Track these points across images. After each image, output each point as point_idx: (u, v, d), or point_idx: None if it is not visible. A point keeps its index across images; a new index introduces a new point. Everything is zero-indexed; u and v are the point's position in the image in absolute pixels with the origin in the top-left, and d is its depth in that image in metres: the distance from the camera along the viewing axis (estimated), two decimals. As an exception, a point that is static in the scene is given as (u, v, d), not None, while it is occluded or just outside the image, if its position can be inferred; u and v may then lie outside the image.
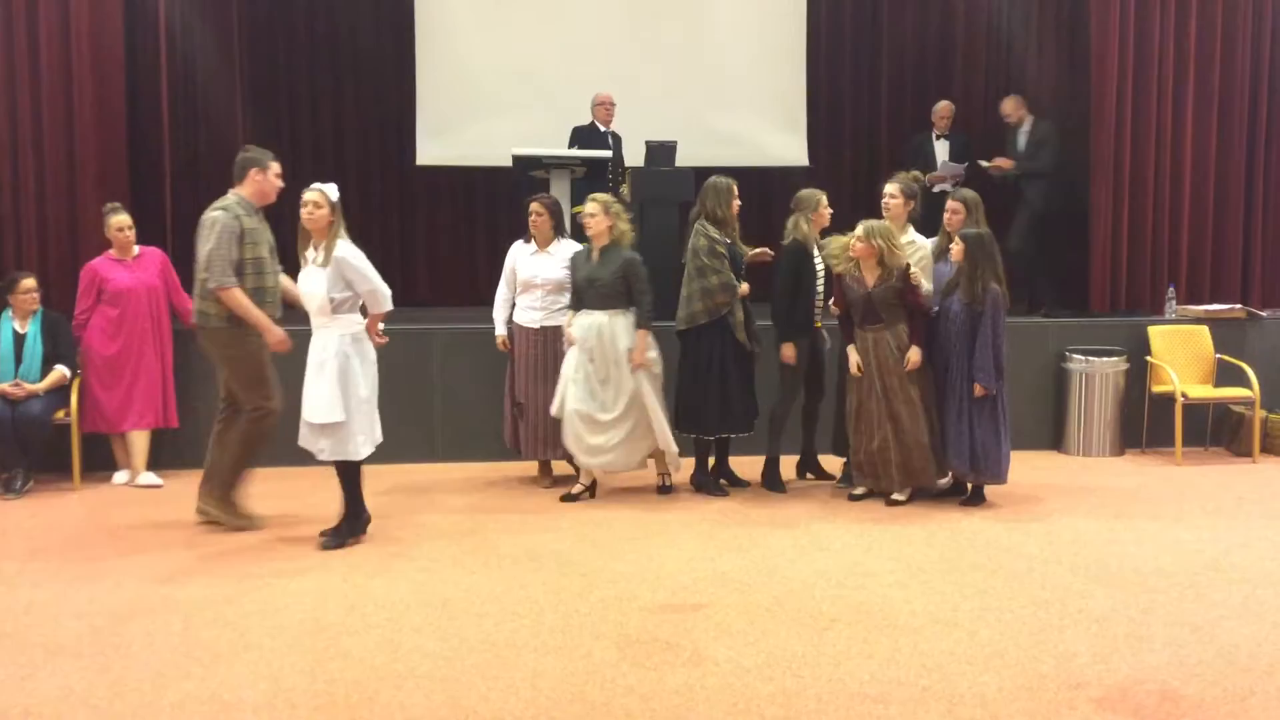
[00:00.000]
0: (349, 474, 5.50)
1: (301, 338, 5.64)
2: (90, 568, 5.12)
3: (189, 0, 8.78)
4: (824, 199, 6.62)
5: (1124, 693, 3.68)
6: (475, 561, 5.19)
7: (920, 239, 6.63)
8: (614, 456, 6.29)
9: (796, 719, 3.50)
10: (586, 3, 10.44)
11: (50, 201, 7.38)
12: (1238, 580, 4.88)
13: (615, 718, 3.52)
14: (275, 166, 5.96)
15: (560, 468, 6.80)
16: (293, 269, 5.83)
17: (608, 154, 8.15)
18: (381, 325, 5.64)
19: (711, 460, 6.68)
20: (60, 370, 6.75)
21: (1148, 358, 7.85)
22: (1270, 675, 3.82)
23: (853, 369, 6.28)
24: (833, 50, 11.08)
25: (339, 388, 5.34)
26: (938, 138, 9.48)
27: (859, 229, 6.18)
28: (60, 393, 6.79)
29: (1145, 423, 7.87)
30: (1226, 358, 7.85)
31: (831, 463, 6.90)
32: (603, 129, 8.85)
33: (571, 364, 6.30)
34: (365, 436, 5.44)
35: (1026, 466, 7.10)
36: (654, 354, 6.34)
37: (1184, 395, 7.51)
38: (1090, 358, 7.74)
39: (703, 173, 8.38)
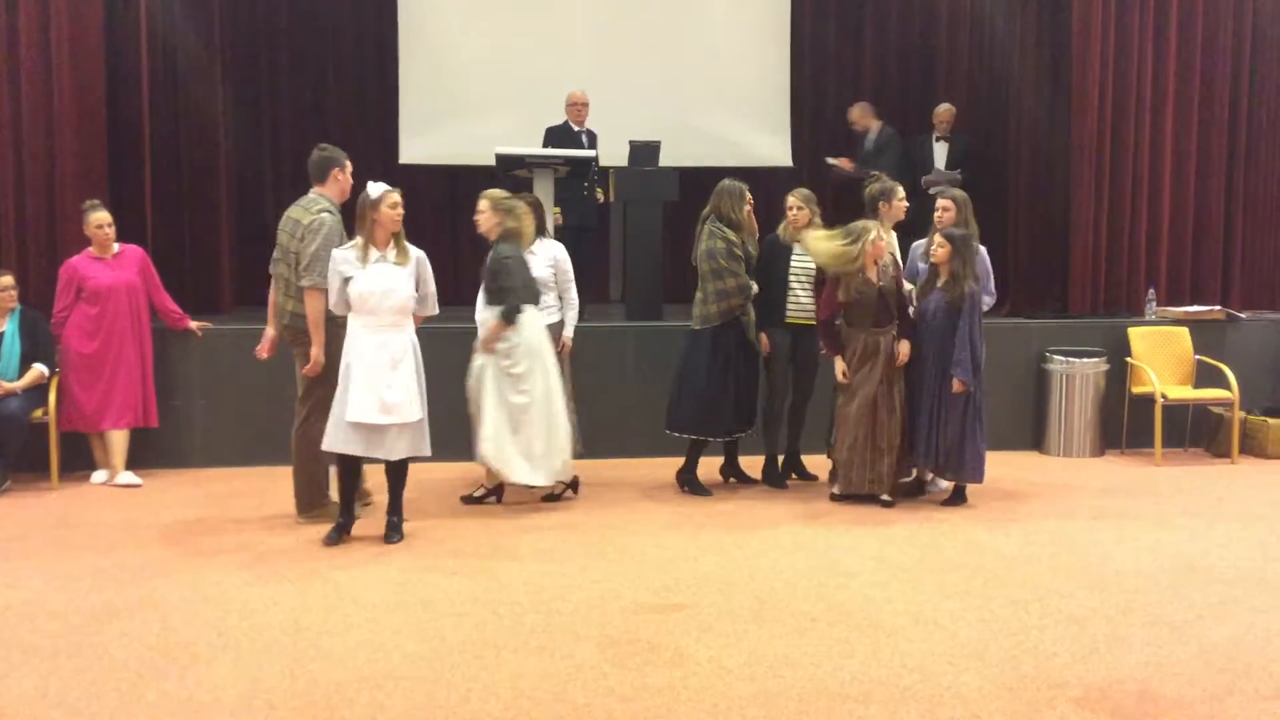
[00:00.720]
0: (406, 472, 5.64)
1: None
2: (68, 568, 5.08)
3: (170, -3, 8.75)
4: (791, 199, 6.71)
5: (1103, 692, 3.70)
6: (456, 562, 5.17)
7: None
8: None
9: (778, 719, 3.50)
10: (571, 2, 10.42)
11: (29, 198, 7.33)
12: (1216, 580, 4.91)
13: (596, 718, 3.51)
14: (349, 165, 6.05)
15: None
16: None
17: (592, 154, 8.15)
18: None
19: (697, 459, 6.63)
20: (38, 368, 6.70)
21: (1128, 359, 7.89)
22: (1248, 675, 3.84)
23: (841, 375, 6.20)
24: (816, 51, 11.09)
25: (417, 385, 5.47)
26: (937, 140, 9.51)
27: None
28: (38, 391, 6.74)
29: (1125, 423, 7.91)
30: (1206, 359, 7.90)
31: (815, 463, 6.91)
32: (576, 129, 8.83)
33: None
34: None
35: (1007, 467, 7.12)
36: (504, 346, 6.02)
37: (1164, 396, 7.56)
38: (1070, 359, 7.78)
39: (687, 173, 8.42)
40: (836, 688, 3.73)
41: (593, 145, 8.75)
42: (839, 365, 6.23)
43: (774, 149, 10.72)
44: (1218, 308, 8.36)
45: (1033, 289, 9.18)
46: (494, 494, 6.38)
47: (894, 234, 6.62)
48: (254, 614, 4.45)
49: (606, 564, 5.13)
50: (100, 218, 6.79)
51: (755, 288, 6.47)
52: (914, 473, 6.52)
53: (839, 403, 6.34)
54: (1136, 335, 7.96)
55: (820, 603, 4.58)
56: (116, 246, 6.90)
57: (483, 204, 6.30)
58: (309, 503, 5.93)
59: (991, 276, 6.80)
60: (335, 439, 5.39)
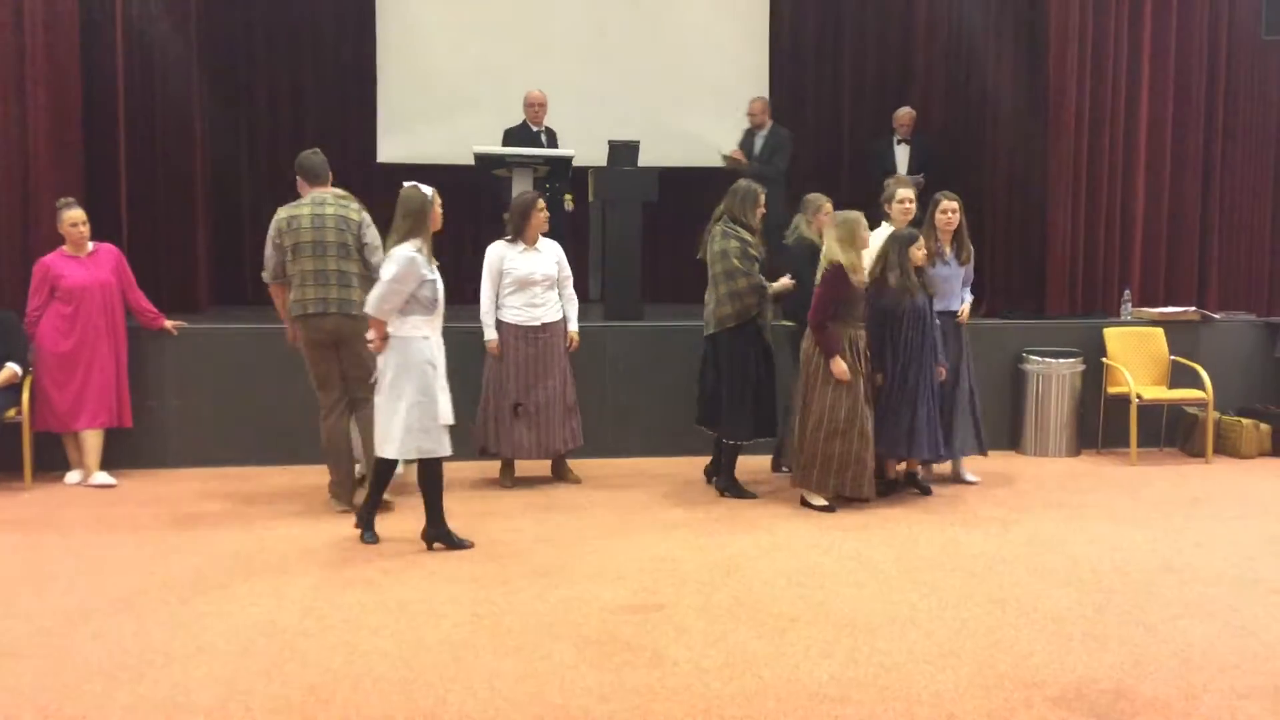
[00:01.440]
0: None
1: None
2: (41, 569, 5.03)
3: (146, -6, 8.68)
4: (828, 204, 6.75)
5: (1079, 691, 3.71)
6: (434, 563, 5.15)
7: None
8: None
9: (756, 719, 3.50)
10: (550, 1, 10.41)
11: (2, 196, 7.25)
12: (1191, 580, 4.95)
13: (574, 719, 3.50)
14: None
15: (528, 468, 6.80)
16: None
17: (570, 153, 8.12)
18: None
19: (733, 463, 6.58)
20: (11, 368, 6.63)
21: (1103, 359, 7.94)
22: (1222, 673, 3.87)
23: (844, 376, 6.00)
24: (795, 53, 11.13)
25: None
26: (899, 143, 9.54)
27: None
28: (11, 391, 6.67)
29: (1101, 423, 7.96)
30: (1180, 359, 7.96)
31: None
32: (535, 129, 8.78)
33: None
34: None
35: (984, 467, 7.15)
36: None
37: (1139, 396, 7.61)
38: (1047, 359, 7.82)
39: (666, 173, 8.42)
40: (814, 687, 3.73)
41: (552, 144, 8.72)
42: (840, 365, 5.99)
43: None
44: (1192, 309, 8.42)
45: (1010, 290, 9.24)
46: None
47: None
48: (230, 615, 4.42)
49: (584, 564, 5.12)
50: (74, 216, 6.73)
51: (770, 288, 6.46)
52: (901, 469, 6.54)
53: (826, 402, 6.05)
54: (1112, 336, 8.01)
55: (798, 603, 4.59)
56: (91, 245, 6.84)
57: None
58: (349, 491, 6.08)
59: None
60: (436, 443, 5.31)
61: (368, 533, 5.49)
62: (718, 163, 9.44)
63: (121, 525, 5.83)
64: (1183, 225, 8.88)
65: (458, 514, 6.07)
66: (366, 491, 5.63)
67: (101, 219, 7.27)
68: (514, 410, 6.56)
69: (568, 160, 8.03)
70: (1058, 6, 8.59)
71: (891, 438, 6.28)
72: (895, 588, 4.80)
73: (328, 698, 3.64)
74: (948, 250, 6.78)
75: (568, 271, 6.74)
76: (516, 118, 8.91)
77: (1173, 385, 7.93)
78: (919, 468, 6.68)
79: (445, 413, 5.33)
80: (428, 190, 5.51)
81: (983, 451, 6.86)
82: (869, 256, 6.34)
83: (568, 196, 8.61)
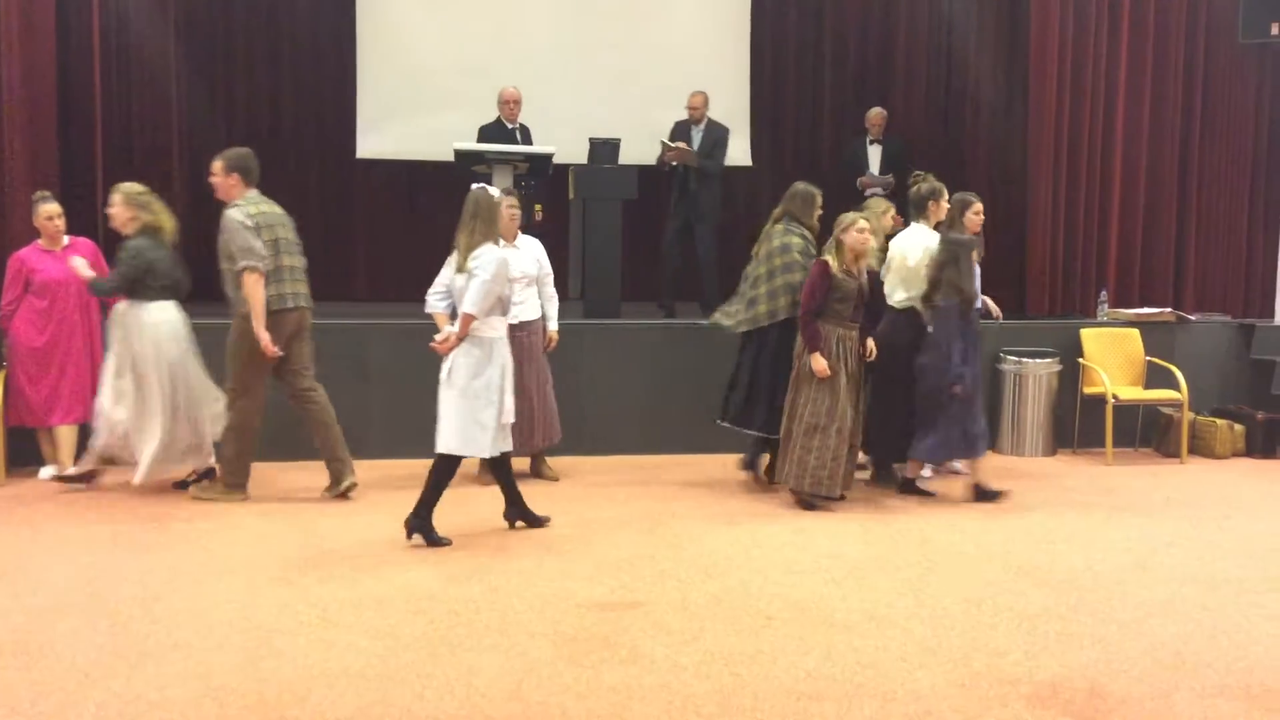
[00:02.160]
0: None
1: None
2: (14, 564, 4.99)
3: (124, -15, 8.63)
4: (892, 208, 6.93)
5: (1054, 689, 3.74)
6: (411, 559, 5.14)
7: None
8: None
9: (733, 716, 3.51)
10: (531, -2, 10.40)
11: (-23, 189, 7.21)
12: (1164, 579, 4.98)
13: (551, 716, 3.50)
14: None
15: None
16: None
17: (551, 150, 8.10)
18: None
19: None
20: (-16, 362, 6.58)
21: (1080, 359, 7.99)
22: (1195, 672, 3.90)
23: (824, 372, 6.00)
24: (777, 52, 11.15)
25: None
26: (871, 143, 9.58)
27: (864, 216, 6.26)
28: (-15, 385, 6.62)
29: (1077, 423, 8.01)
30: (1156, 360, 8.02)
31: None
32: (510, 126, 8.65)
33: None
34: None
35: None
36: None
37: (1114, 397, 7.66)
38: (1023, 359, 7.86)
39: (646, 171, 8.42)
40: (791, 685, 3.74)
41: (526, 141, 8.66)
42: (820, 362, 5.99)
43: (734, 149, 10.70)
44: (1168, 310, 8.49)
45: (988, 290, 9.26)
46: (83, 478, 6.44)
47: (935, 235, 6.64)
48: (205, 612, 4.39)
49: (563, 561, 5.12)
50: (50, 209, 6.67)
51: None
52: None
53: (813, 399, 6.06)
54: (1088, 336, 8.06)
55: (776, 600, 4.60)
56: (66, 239, 6.78)
57: (115, 198, 6.31)
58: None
59: None
60: (490, 443, 5.40)
61: (436, 536, 5.44)
62: (696, 161, 9.44)
63: (96, 521, 5.79)
64: (1159, 227, 8.95)
65: (437, 511, 6.06)
66: (425, 493, 5.55)
67: (78, 213, 7.22)
68: None
69: (548, 157, 8.01)
70: (1038, 11, 8.63)
71: (971, 439, 6.34)
72: (872, 586, 4.82)
73: (303, 694, 3.62)
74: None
75: (548, 269, 6.74)
76: (496, 115, 8.89)
77: (1148, 386, 7.99)
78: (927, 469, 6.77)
79: (509, 411, 5.46)
80: (496, 191, 5.59)
81: None
82: (906, 259, 6.42)
83: (537, 207, 8.57)
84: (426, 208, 10.71)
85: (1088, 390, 7.93)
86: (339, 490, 6.26)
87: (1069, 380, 7.97)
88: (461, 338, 5.33)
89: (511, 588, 4.72)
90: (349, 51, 10.22)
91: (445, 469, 5.44)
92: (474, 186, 5.58)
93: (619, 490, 6.61)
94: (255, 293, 6.01)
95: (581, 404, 7.46)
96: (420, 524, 5.41)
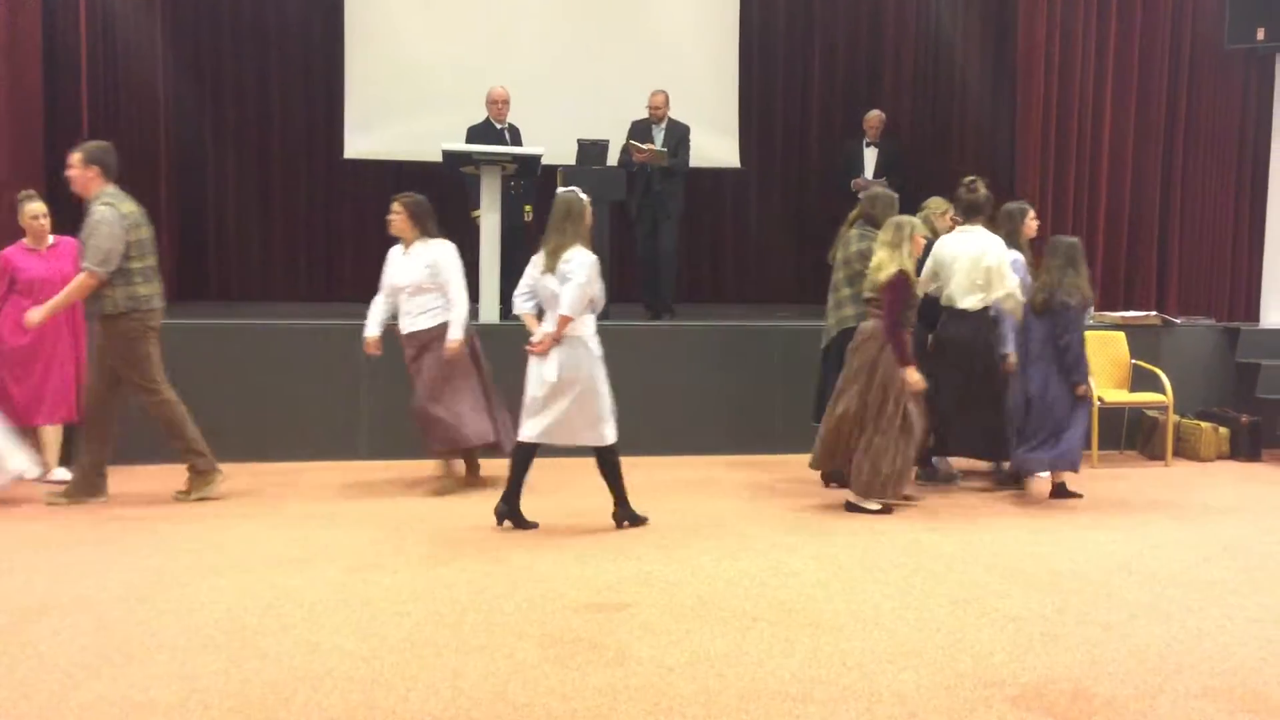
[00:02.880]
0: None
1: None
2: (-3, 565, 4.98)
3: (111, -15, 8.59)
4: (950, 208, 6.92)
5: (1038, 691, 3.75)
6: (398, 561, 5.13)
7: None
8: None
9: (718, 718, 3.51)
10: (519, -1, 10.40)
11: (-39, 188, 7.17)
12: (1149, 581, 5.00)
13: (537, 718, 3.50)
14: None
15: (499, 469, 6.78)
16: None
17: (539, 151, 8.08)
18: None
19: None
20: (-31, 362, 6.54)
21: (1066, 362, 8.00)
22: (1178, 673, 3.92)
23: (920, 385, 6.04)
24: (765, 54, 11.18)
25: None
26: (867, 145, 9.59)
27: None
28: (-31, 385, 6.58)
29: (1063, 426, 8.01)
30: (1141, 363, 8.05)
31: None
32: (498, 126, 8.69)
33: None
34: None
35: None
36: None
37: (1100, 399, 7.68)
38: (1010, 362, 7.87)
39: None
40: (777, 686, 3.74)
41: (515, 141, 8.66)
42: (916, 375, 6.01)
43: (722, 150, 10.77)
44: (1153, 313, 8.52)
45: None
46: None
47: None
48: (190, 612, 4.38)
49: (549, 563, 5.12)
50: (36, 208, 6.65)
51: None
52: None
53: (907, 405, 6.05)
54: (1075, 339, 8.07)
55: (762, 602, 4.61)
56: (51, 238, 6.75)
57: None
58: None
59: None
60: (612, 432, 5.71)
61: (522, 519, 5.72)
62: (691, 162, 9.46)
63: (80, 521, 5.76)
64: (1144, 231, 8.99)
65: (422, 509, 6.06)
66: (509, 485, 5.76)
67: (64, 212, 7.18)
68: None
69: (536, 158, 8.00)
70: (1026, 17, 8.66)
71: (1072, 445, 6.42)
72: (858, 587, 4.82)
73: (288, 696, 3.61)
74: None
75: (448, 274, 6.40)
76: (484, 114, 8.89)
77: (1133, 388, 8.01)
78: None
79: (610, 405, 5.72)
80: (584, 195, 5.72)
81: None
82: (982, 260, 6.43)
83: (527, 208, 8.56)
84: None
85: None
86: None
87: (1055, 383, 7.98)
88: (557, 339, 5.49)
89: (498, 589, 4.71)
90: (337, 52, 10.21)
91: (613, 460, 5.77)
92: (561, 190, 5.74)
93: (606, 492, 6.59)
94: (81, 293, 6.02)
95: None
96: (627, 512, 5.80)
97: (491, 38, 10.25)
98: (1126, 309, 8.62)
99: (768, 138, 11.28)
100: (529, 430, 5.66)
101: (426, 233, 6.50)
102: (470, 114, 8.86)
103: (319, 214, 10.58)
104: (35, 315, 6.04)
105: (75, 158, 6.07)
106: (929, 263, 6.61)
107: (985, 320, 6.52)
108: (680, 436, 7.34)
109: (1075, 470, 6.53)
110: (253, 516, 5.91)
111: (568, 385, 5.54)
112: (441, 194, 9.99)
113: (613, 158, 8.44)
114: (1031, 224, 6.90)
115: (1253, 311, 9.19)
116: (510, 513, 5.72)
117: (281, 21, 10.32)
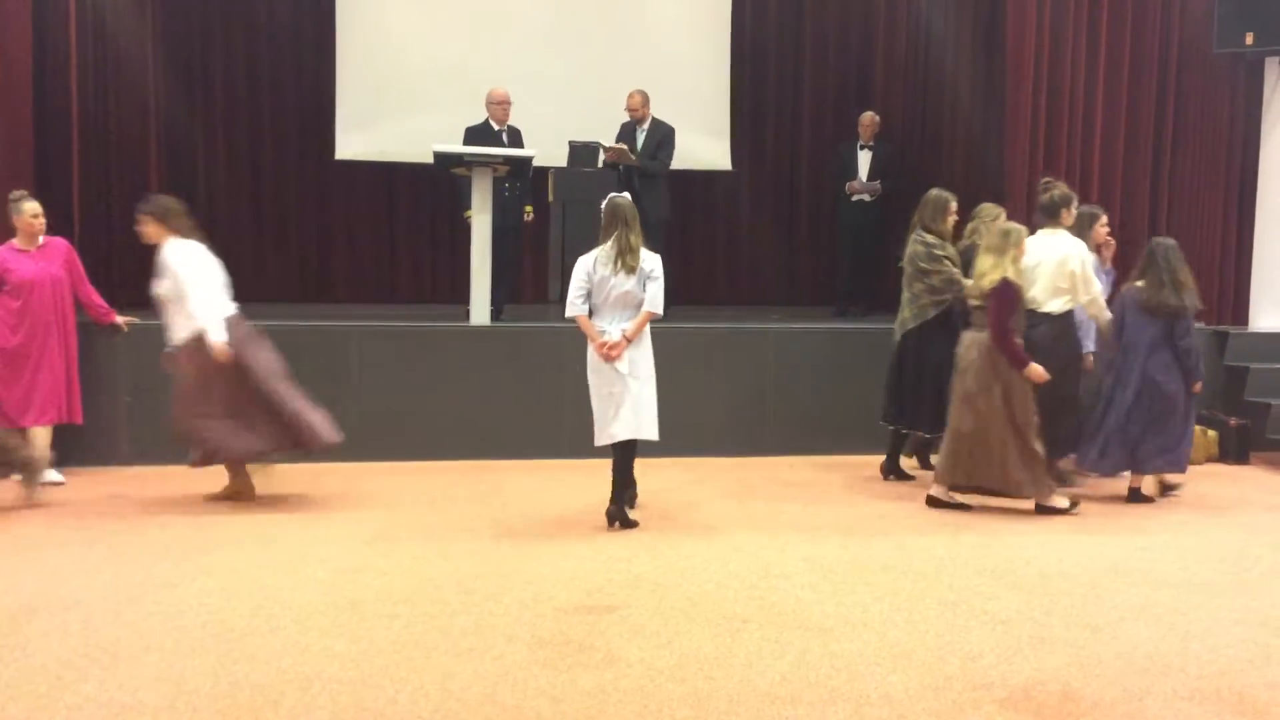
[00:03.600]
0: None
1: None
2: (-15, 567, 4.96)
3: (101, -16, 8.56)
4: (1003, 214, 7.01)
5: (1026, 693, 3.76)
6: (387, 562, 5.13)
7: None
8: None
9: (707, 720, 3.52)
10: (512, 1, 10.39)
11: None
12: (1137, 583, 5.02)
13: (526, 720, 3.50)
14: None
15: (498, 470, 6.77)
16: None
17: (531, 153, 8.08)
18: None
19: (898, 451, 7.14)
20: (-43, 363, 6.52)
21: (1056, 365, 8.01)
22: (1166, 675, 3.93)
23: (1043, 376, 6.11)
24: (757, 57, 11.20)
25: None
26: (861, 147, 9.61)
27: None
28: (-43, 386, 6.55)
29: (1053, 429, 8.03)
30: (1131, 366, 8.04)
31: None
32: (497, 127, 8.56)
33: None
34: (596, 428, 5.92)
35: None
36: None
37: (1091, 402, 7.69)
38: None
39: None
40: (766, 688, 3.75)
41: (515, 143, 8.60)
42: (1038, 368, 6.09)
43: (714, 153, 10.78)
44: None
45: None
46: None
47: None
48: (179, 614, 4.37)
49: (539, 565, 5.12)
50: (35, 207, 6.63)
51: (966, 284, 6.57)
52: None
53: (1031, 403, 6.15)
54: (1065, 342, 8.08)
55: (751, 604, 4.61)
56: (41, 238, 6.73)
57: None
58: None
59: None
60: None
61: (627, 519, 5.86)
62: (681, 164, 9.47)
63: (69, 523, 5.75)
64: (1133, 235, 9.00)
65: (411, 511, 6.05)
66: (614, 489, 5.88)
67: (53, 212, 7.17)
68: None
69: (528, 160, 8.00)
70: (1015, 22, 8.69)
71: (1184, 447, 6.57)
72: (848, 590, 4.83)
73: (276, 698, 3.61)
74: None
75: (184, 283, 5.99)
76: (477, 115, 8.89)
77: (1123, 392, 8.01)
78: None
79: None
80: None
81: None
82: (1066, 265, 6.45)
83: (528, 208, 8.55)
84: (406, 209, 10.71)
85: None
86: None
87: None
88: (631, 338, 5.76)
89: (487, 591, 4.71)
90: (328, 53, 10.20)
91: (634, 458, 5.95)
92: (615, 195, 6.02)
93: (596, 494, 6.59)
94: None
95: (562, 408, 7.46)
96: (622, 512, 5.87)
97: (483, 39, 10.25)
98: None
99: (759, 140, 11.30)
100: (620, 430, 5.80)
101: (179, 233, 6.15)
102: (462, 115, 8.85)
103: (310, 215, 10.57)
104: None
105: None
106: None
107: (1069, 323, 6.58)
108: (671, 438, 7.29)
109: (1183, 471, 6.65)
110: (240, 517, 5.90)
111: (644, 379, 5.83)
112: (434, 194, 10.06)
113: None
114: (1101, 230, 6.98)
115: (1241, 315, 9.21)
116: (619, 514, 5.85)
117: (273, 22, 10.31)
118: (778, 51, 11.26)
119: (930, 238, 6.83)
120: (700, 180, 10.87)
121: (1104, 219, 7.07)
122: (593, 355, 5.84)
